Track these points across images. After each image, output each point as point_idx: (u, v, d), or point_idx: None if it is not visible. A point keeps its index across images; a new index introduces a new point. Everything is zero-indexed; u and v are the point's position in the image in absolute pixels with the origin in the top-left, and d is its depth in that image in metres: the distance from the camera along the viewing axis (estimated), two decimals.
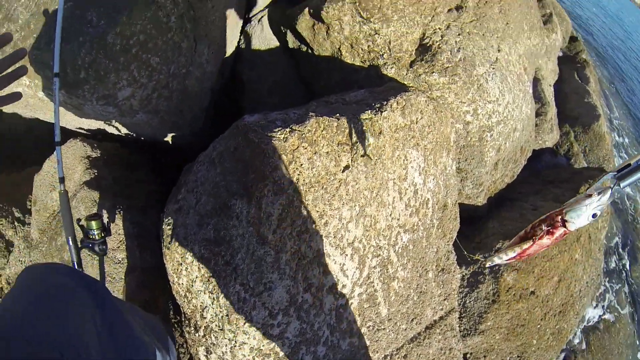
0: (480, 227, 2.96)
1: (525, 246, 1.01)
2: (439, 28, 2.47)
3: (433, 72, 2.30)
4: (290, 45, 2.69)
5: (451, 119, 2.30)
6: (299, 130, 1.44)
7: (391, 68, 2.32)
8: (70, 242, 1.46)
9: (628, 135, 8.45)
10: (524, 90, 3.32)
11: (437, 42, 2.39)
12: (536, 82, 4.67)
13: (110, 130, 2.15)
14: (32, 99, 1.81)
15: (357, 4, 2.24)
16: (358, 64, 2.39)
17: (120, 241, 1.84)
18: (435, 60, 2.31)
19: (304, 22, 2.48)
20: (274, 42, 2.90)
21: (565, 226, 0.92)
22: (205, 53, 2.16)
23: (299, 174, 1.42)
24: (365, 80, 2.39)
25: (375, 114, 1.69)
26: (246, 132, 1.42)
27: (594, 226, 3.27)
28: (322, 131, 1.51)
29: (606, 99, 8.55)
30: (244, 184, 1.38)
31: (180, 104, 2.11)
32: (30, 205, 2.20)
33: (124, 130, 2.13)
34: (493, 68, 2.71)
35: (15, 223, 2.22)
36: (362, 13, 2.25)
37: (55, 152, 1.49)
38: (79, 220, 1.56)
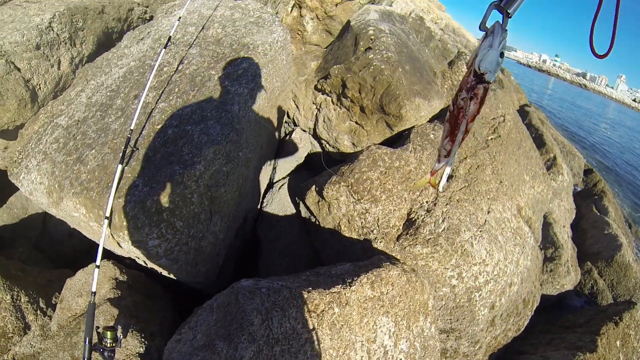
0: None
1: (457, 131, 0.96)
2: (426, 201, 2.87)
3: (416, 244, 2.64)
4: (303, 214, 3.13)
5: (436, 284, 2.58)
6: (274, 298, 1.91)
7: (380, 242, 2.68)
8: (87, 343, 1.85)
9: None
10: (522, 243, 3.48)
11: (422, 215, 2.77)
12: (547, 226, 4.83)
13: (139, 262, 2.68)
14: (84, 224, 2.45)
15: (350, 187, 2.70)
16: (355, 237, 2.77)
17: (127, 355, 2.17)
18: (418, 234, 2.67)
19: (311, 198, 2.94)
20: (291, 209, 3.38)
21: (483, 81, 0.87)
22: (218, 224, 2.67)
23: (270, 330, 1.81)
24: (360, 251, 2.75)
25: (344, 288, 2.06)
26: (237, 293, 1.93)
27: None
28: (293, 300, 1.93)
29: (631, 223, 8.42)
30: (228, 331, 1.81)
31: (196, 258, 2.57)
32: (56, 301, 2.59)
33: (150, 265, 2.59)
34: (480, 231, 3.00)
35: (38, 312, 2.56)
36: (354, 195, 2.70)
37: (90, 267, 2.10)
38: (97, 327, 1.96)
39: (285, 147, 3.75)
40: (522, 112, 6.90)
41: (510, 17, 0.82)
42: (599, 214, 6.40)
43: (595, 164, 13.51)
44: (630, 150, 23.77)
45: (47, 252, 3.33)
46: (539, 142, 5.94)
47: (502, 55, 0.85)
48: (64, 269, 2.92)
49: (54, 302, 2.63)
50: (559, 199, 5.48)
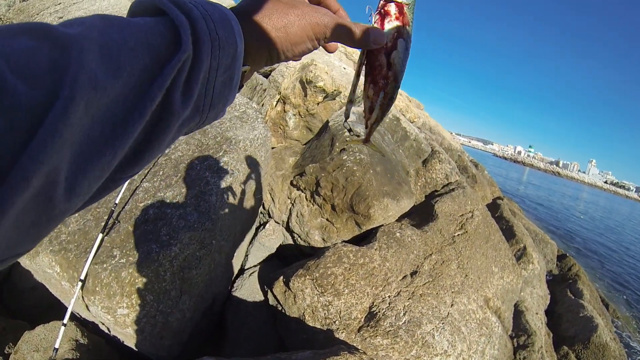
0: None
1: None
2: (389, 296, 3.04)
3: (377, 335, 2.77)
4: (270, 302, 3.25)
5: None
6: None
7: (342, 332, 2.80)
8: None
9: (636, 329, 8.17)
10: (489, 333, 3.62)
11: (383, 309, 2.92)
12: (519, 314, 4.96)
13: (102, 328, 2.74)
14: (55, 282, 2.55)
15: (315, 280, 2.87)
16: (318, 327, 2.88)
17: None
18: (379, 326, 2.81)
19: (279, 288, 3.09)
20: (260, 296, 3.49)
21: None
22: (187, 302, 2.79)
23: None
24: (324, 340, 2.85)
25: None
26: None
27: None
28: None
29: (608, 303, 8.56)
30: None
31: (162, 332, 2.64)
32: (9, 351, 2.59)
33: (113, 333, 2.67)
34: (442, 323, 3.14)
35: None
36: (318, 288, 2.86)
37: (52, 324, 2.26)
38: None
39: (259, 237, 3.94)
40: (494, 205, 7.25)
41: None
42: (573, 297, 6.55)
43: (570, 248, 13.90)
44: (605, 230, 24.52)
45: (6, 301, 3.35)
46: (509, 233, 6.20)
47: None
48: (20, 321, 2.95)
49: (6, 352, 2.65)
50: (531, 286, 5.63)
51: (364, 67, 0.71)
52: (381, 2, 0.69)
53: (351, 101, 0.79)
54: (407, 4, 0.68)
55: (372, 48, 0.63)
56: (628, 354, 6.67)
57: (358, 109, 4.51)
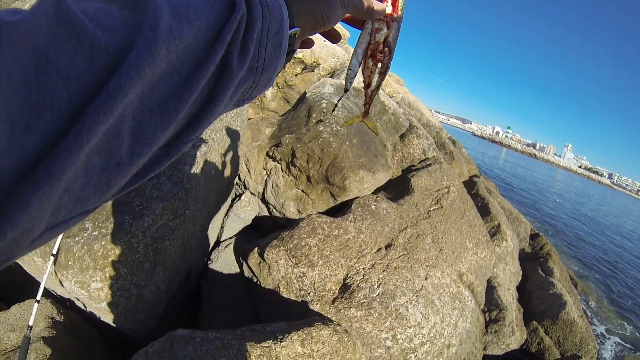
0: None
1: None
2: (363, 268, 3.03)
3: (351, 307, 2.77)
4: (246, 274, 3.22)
5: (371, 345, 2.69)
6: (206, 347, 2.02)
7: (316, 304, 2.79)
8: None
9: (602, 308, 8.54)
10: (462, 307, 3.68)
11: (357, 281, 2.91)
12: (492, 290, 5.07)
13: (79, 304, 2.69)
14: (28, 257, 2.46)
15: (289, 251, 2.84)
16: (293, 298, 2.87)
17: None
18: (353, 298, 2.81)
19: (253, 259, 3.05)
20: (235, 268, 3.46)
21: None
22: (161, 274, 2.74)
23: None
24: (298, 312, 2.84)
25: (274, 343, 2.16)
26: (172, 341, 2.02)
27: None
28: (224, 350, 2.03)
29: (577, 281, 8.87)
30: None
31: (136, 305, 2.60)
32: None
33: (89, 309, 2.63)
34: (416, 296, 3.17)
35: None
36: (292, 259, 2.83)
37: (27, 303, 2.21)
38: None
39: (234, 209, 3.88)
40: (471, 182, 7.31)
41: None
42: (544, 275, 6.74)
43: (543, 229, 14.30)
44: (577, 213, 25.34)
45: None
46: (485, 210, 6.28)
47: None
48: None
49: None
50: (504, 263, 5.75)
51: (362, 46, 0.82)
52: None
53: (354, 74, 0.87)
54: None
55: (376, 18, 0.74)
56: (594, 330, 6.96)
57: (336, 81, 4.43)
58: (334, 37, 0.74)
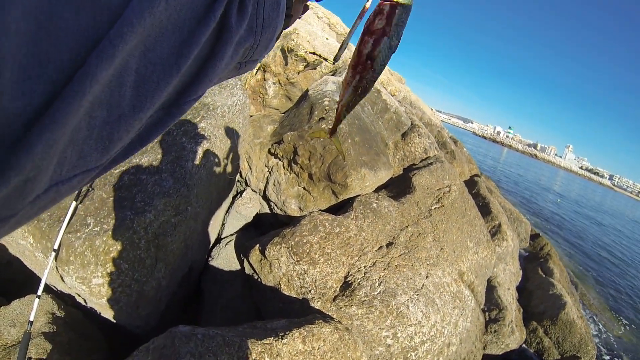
0: None
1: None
2: (364, 266, 3.03)
3: (352, 305, 2.77)
4: (247, 271, 3.22)
5: (371, 343, 2.69)
6: (208, 344, 2.01)
7: (317, 301, 2.79)
8: None
9: (602, 309, 8.54)
10: (462, 306, 3.68)
11: (358, 279, 2.91)
12: (492, 289, 5.07)
13: (79, 300, 2.69)
14: (29, 253, 2.47)
15: (291, 249, 2.84)
16: (294, 295, 2.87)
17: None
18: (354, 295, 2.80)
19: (255, 256, 3.05)
20: (236, 265, 3.46)
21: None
22: (162, 271, 2.74)
23: None
24: (299, 309, 2.84)
25: (276, 341, 2.16)
26: (174, 337, 2.01)
27: None
28: (226, 347, 2.03)
29: (577, 283, 8.87)
30: None
31: (137, 301, 2.60)
32: None
33: (90, 305, 2.62)
34: (417, 294, 3.16)
35: None
36: (294, 256, 2.83)
37: (28, 298, 2.23)
38: (29, 358, 1.99)
39: (236, 206, 3.87)
40: (472, 182, 7.31)
41: None
42: (544, 275, 6.77)
43: (543, 228, 14.30)
44: (578, 214, 25.32)
45: None
46: (485, 210, 6.28)
47: None
48: None
49: None
50: (504, 263, 5.76)
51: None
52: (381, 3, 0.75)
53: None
54: (401, 4, 0.74)
55: None
56: (593, 331, 6.96)
57: (338, 79, 4.41)
58: None
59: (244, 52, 0.50)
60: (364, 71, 0.78)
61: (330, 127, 0.94)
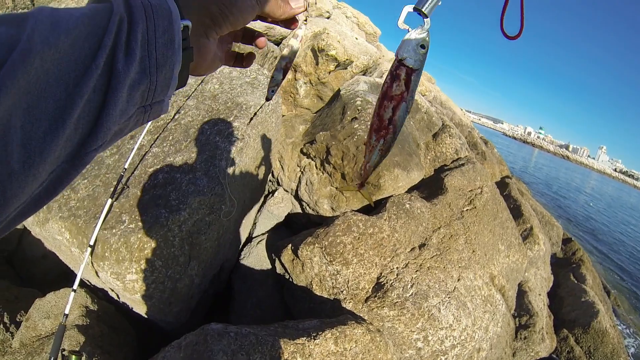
0: None
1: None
2: (397, 267, 3.02)
3: (384, 306, 2.76)
4: (278, 270, 3.25)
5: (402, 346, 2.68)
6: (241, 342, 2.04)
7: (349, 302, 2.80)
8: None
9: (636, 319, 8.22)
10: (493, 310, 3.61)
11: (391, 280, 2.90)
12: (523, 294, 4.96)
13: (112, 295, 2.78)
14: (65, 248, 2.55)
15: (324, 249, 2.85)
16: (325, 296, 2.88)
17: None
18: (386, 297, 2.79)
19: (287, 256, 3.07)
20: (267, 264, 3.49)
21: (404, 65, 0.84)
22: (195, 268, 2.79)
23: None
24: (330, 310, 2.85)
25: (308, 341, 2.17)
26: (206, 334, 2.04)
27: None
28: (258, 346, 2.05)
29: (609, 290, 8.57)
30: None
31: (170, 298, 2.66)
32: (20, 319, 2.61)
33: (122, 300, 2.70)
34: (449, 297, 3.13)
35: (1, 326, 2.56)
36: (327, 257, 2.84)
37: (63, 291, 2.37)
38: (63, 349, 2.04)
39: (267, 205, 3.91)
40: (503, 183, 7.17)
41: (427, 17, 0.83)
42: (576, 281, 6.56)
43: (575, 233, 13.88)
44: (612, 218, 24.45)
45: (18, 269, 3.37)
46: (517, 212, 6.15)
47: (422, 47, 0.84)
48: (32, 289, 2.97)
49: (18, 320, 2.66)
50: (535, 267, 5.62)
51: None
52: (395, 62, 0.82)
53: (276, 86, 0.87)
54: (415, 70, 0.81)
55: (295, 14, 0.70)
56: (626, 342, 6.70)
57: (369, 78, 4.37)
58: (259, 44, 0.75)
59: (142, 95, 0.49)
60: (387, 135, 0.86)
61: (359, 181, 1.05)
